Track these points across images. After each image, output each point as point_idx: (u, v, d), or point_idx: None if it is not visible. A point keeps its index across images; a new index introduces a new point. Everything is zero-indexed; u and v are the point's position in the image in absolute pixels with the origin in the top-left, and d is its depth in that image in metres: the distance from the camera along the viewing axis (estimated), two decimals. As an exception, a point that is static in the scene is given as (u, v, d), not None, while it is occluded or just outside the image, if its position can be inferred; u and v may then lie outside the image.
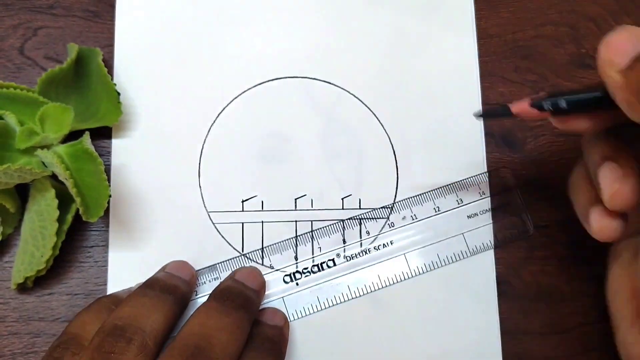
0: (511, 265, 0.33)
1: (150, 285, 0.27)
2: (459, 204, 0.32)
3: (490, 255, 0.32)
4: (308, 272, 0.31)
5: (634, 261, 0.27)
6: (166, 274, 0.29)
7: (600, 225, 0.25)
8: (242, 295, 0.28)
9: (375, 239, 0.32)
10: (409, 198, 0.33)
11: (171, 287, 0.27)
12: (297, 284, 0.31)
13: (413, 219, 0.32)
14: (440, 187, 0.33)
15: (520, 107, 0.26)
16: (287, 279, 0.31)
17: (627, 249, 0.28)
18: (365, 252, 0.32)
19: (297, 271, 0.31)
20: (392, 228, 0.32)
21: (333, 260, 0.32)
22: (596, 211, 0.25)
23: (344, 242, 0.32)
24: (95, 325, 0.26)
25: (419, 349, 0.31)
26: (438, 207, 0.32)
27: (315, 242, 0.32)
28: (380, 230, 0.32)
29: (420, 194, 0.33)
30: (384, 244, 0.32)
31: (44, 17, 0.34)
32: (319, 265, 0.32)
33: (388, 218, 0.32)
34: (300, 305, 0.31)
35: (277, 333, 0.29)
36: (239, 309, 0.26)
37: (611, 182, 0.24)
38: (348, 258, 0.32)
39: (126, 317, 0.25)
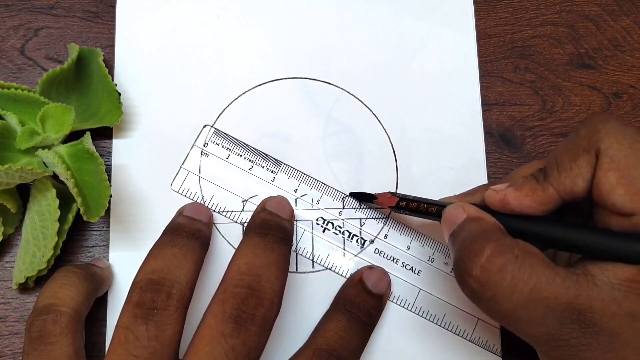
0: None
1: (177, 232, 0.28)
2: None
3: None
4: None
5: None
6: (187, 218, 0.29)
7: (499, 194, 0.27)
8: (280, 228, 0.28)
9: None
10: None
11: (196, 232, 0.28)
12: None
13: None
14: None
15: (383, 198, 0.30)
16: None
17: None
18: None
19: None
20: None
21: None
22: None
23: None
24: (67, 289, 0.26)
25: (419, 347, 0.31)
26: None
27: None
28: (378, 234, 0.32)
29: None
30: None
31: (44, 17, 0.34)
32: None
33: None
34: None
35: (377, 304, 0.30)
36: (281, 243, 0.27)
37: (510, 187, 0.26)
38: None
39: (160, 269, 0.25)
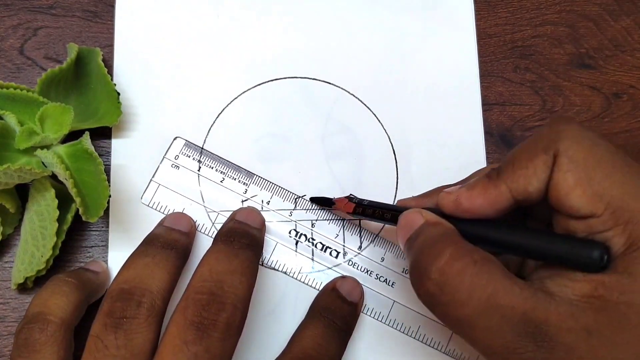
0: (511, 265, 0.33)
1: (151, 242, 0.27)
2: None
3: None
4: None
5: None
6: (165, 228, 0.29)
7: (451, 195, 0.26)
8: (247, 235, 0.28)
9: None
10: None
11: (172, 242, 0.27)
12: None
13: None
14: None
15: (341, 203, 0.30)
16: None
17: None
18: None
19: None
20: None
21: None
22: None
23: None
24: (57, 298, 0.26)
25: (419, 347, 0.31)
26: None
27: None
28: (376, 236, 0.32)
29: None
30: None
31: (43, 17, 0.34)
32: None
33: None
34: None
35: (352, 311, 0.30)
36: (246, 249, 0.26)
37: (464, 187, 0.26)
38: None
39: (131, 279, 0.25)
